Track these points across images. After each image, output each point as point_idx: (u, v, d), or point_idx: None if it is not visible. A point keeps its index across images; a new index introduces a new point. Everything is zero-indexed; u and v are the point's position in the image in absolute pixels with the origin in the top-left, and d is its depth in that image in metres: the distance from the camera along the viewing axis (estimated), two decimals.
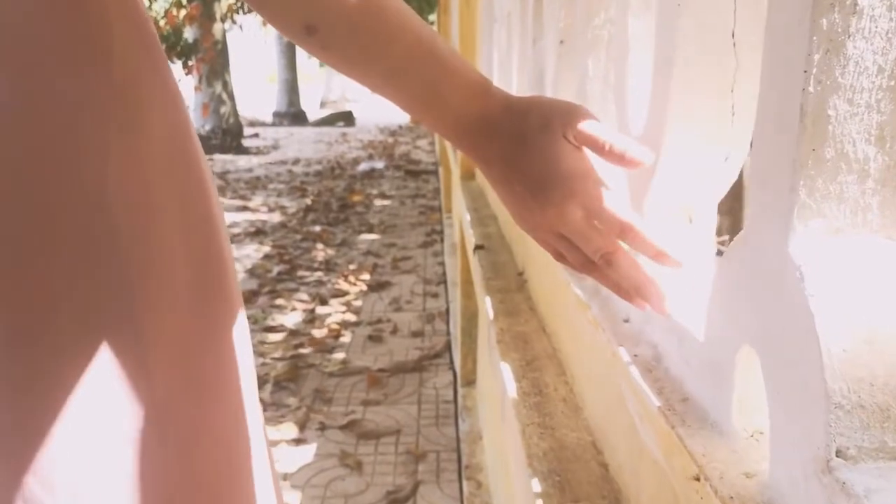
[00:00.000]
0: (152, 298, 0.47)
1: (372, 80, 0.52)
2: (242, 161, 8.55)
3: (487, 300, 1.05)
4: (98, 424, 0.45)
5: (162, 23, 7.44)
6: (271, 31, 14.51)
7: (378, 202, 5.96)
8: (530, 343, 0.87)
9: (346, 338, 2.95)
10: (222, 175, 7.42)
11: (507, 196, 0.51)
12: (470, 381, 2.33)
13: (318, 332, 2.98)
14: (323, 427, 2.21)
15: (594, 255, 0.49)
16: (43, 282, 0.43)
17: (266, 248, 4.38)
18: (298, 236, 4.72)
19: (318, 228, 4.93)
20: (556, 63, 0.97)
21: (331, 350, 2.80)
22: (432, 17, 10.10)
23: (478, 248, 1.36)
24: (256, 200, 6.03)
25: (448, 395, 2.43)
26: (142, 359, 0.46)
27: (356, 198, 6.04)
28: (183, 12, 7.76)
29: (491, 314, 0.98)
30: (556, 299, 0.87)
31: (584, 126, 0.49)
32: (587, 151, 0.50)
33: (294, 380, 2.53)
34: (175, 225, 0.49)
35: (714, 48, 0.50)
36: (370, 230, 4.89)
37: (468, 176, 2.24)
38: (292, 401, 2.37)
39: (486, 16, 2.08)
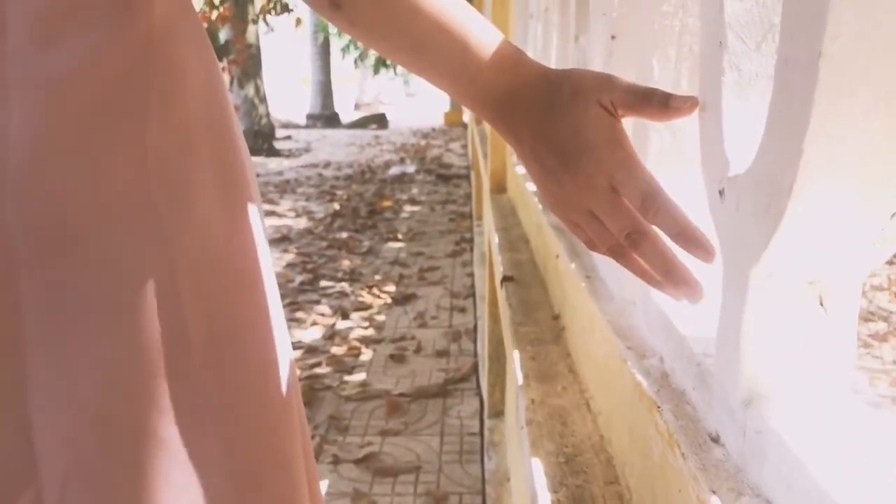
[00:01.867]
0: (192, 271, 0.46)
1: (400, 54, 0.52)
2: (273, 164, 8.46)
3: (516, 356, 0.85)
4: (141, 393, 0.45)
5: None
6: (306, 33, 14.49)
7: (407, 208, 5.79)
8: (570, 425, 0.67)
9: (366, 356, 2.77)
10: None
11: (538, 171, 0.50)
12: (498, 413, 2.13)
13: (337, 350, 2.80)
14: (336, 460, 2.03)
15: (620, 234, 0.46)
16: (83, 252, 0.42)
17: (290, 256, 4.23)
18: (324, 243, 4.57)
19: (344, 235, 4.77)
20: (606, 63, 0.77)
21: (350, 370, 2.62)
22: None
23: (506, 279, 1.16)
24: (284, 205, 5.90)
25: (474, 427, 2.24)
26: (184, 340, 0.46)
27: (385, 203, 5.88)
28: (215, 13, 7.69)
29: (520, 378, 0.78)
30: (606, 366, 0.68)
31: (621, 86, 0.46)
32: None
33: (309, 404, 2.36)
34: (213, 194, 0.48)
35: (885, 47, 0.30)
36: (398, 238, 4.72)
37: (498, 189, 2.05)
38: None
39: (519, 11, 1.88)
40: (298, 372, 2.58)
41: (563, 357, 0.85)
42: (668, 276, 0.45)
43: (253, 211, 0.53)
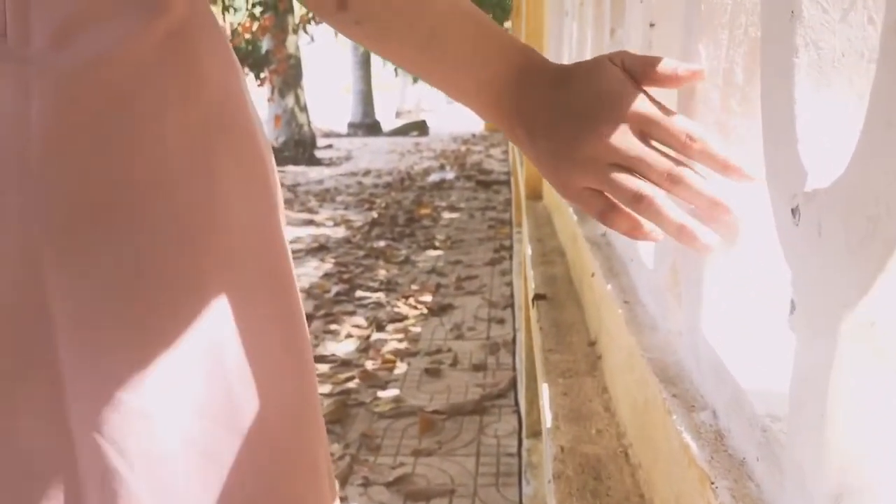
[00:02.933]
0: (218, 268, 0.46)
1: (407, 51, 0.51)
2: (314, 173, 8.48)
3: (545, 391, 0.75)
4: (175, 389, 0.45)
5: (233, 37, 7.45)
6: (346, 42, 14.56)
7: (446, 215, 5.71)
8: (604, 480, 0.57)
9: (400, 369, 2.68)
10: (293, 187, 7.33)
11: (551, 143, 0.48)
12: (536, 433, 2.02)
13: (371, 364, 2.73)
14: (367, 483, 1.94)
15: (661, 175, 0.44)
16: (106, 245, 0.42)
17: (327, 266, 4.19)
18: (361, 252, 4.51)
19: (382, 244, 4.71)
20: (647, 52, 0.67)
21: (384, 385, 2.54)
22: (507, 24, 9.79)
23: (538, 298, 1.06)
24: (323, 214, 5.88)
25: (511, 446, 2.13)
26: (207, 323, 0.45)
27: (424, 211, 5.81)
28: (256, 24, 7.75)
29: (548, 418, 0.68)
30: (646, 412, 0.57)
31: (630, 53, 0.47)
32: None
33: (341, 421, 2.28)
34: (234, 192, 0.48)
35: None
36: (436, 246, 4.63)
37: (534, 195, 1.94)
38: (336, 448, 2.12)
39: (554, 9, 1.78)
40: (331, 387, 2.53)
41: (599, 392, 0.74)
42: (712, 209, 0.44)
43: (276, 207, 0.52)
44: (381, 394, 2.47)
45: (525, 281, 1.61)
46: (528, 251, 1.36)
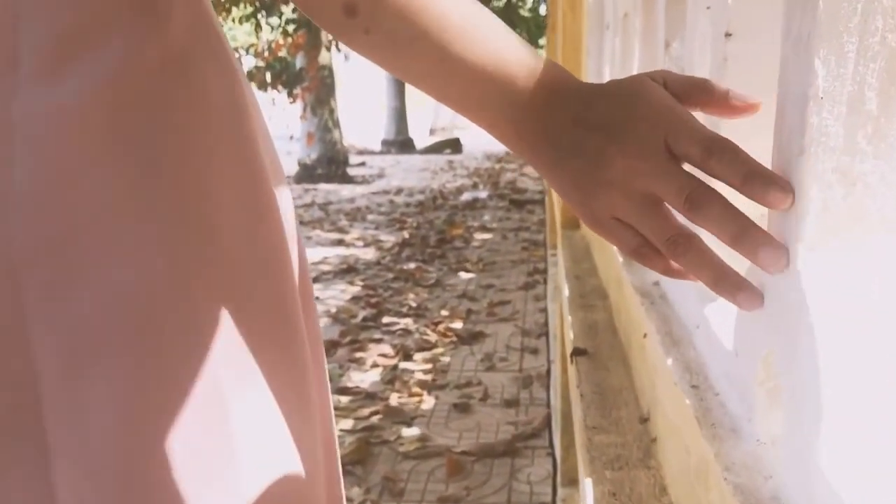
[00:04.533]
0: (216, 305, 0.42)
1: (418, 65, 0.45)
2: (346, 191, 8.42)
3: (588, 487, 0.60)
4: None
5: (266, 53, 7.46)
6: None
7: (478, 236, 5.56)
8: None
9: (427, 404, 2.54)
10: (324, 206, 7.27)
11: (576, 166, 0.43)
12: (572, 481, 1.86)
13: (397, 397, 2.59)
14: None
15: (680, 198, 0.39)
16: (92, 285, 0.39)
17: (355, 289, 4.07)
18: (391, 275, 4.39)
19: (412, 266, 4.59)
20: (719, 70, 0.53)
21: (409, 421, 2.40)
22: (542, 41, 9.65)
23: (577, 353, 0.91)
24: (353, 233, 5.79)
25: (545, 494, 1.97)
26: (202, 336, 0.42)
27: (455, 231, 5.67)
28: (289, 41, 7.75)
29: None
30: None
31: (672, 73, 0.43)
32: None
33: (362, 462, 2.14)
34: (239, 224, 0.44)
35: None
36: (467, 269, 4.49)
37: (570, 224, 1.79)
38: (356, 492, 1.98)
39: (594, 23, 1.64)
40: (353, 423, 2.39)
41: (657, 492, 0.59)
42: (744, 237, 0.38)
43: (288, 243, 0.49)
44: (405, 431, 2.33)
45: (562, 326, 1.46)
46: (565, 291, 1.21)
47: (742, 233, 0.38)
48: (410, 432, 2.32)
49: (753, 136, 0.46)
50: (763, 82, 0.51)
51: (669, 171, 0.40)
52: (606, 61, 1.47)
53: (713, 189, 0.39)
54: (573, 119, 0.44)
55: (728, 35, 0.51)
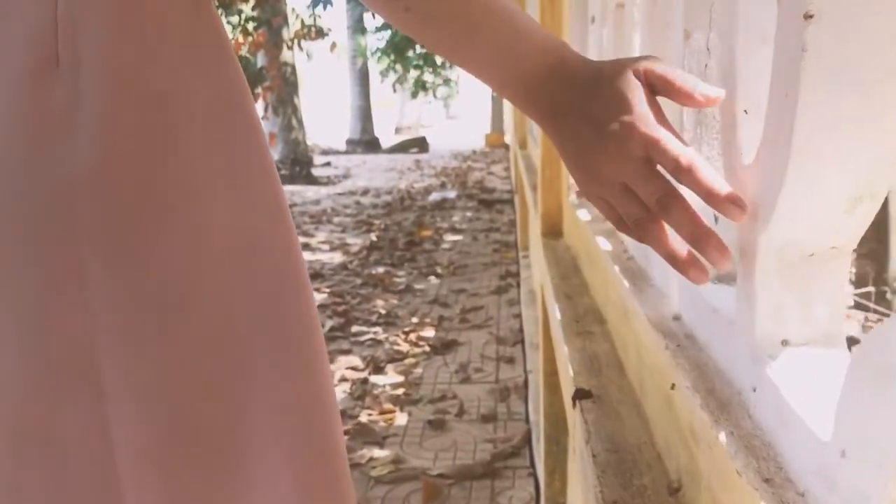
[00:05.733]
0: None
1: (450, 41, 0.53)
2: (311, 192, 8.22)
3: None
4: None
5: None
6: (345, 58, 14.36)
7: (448, 237, 5.44)
8: None
9: (401, 420, 2.40)
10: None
11: (574, 149, 0.51)
12: None
13: (367, 414, 2.44)
14: None
15: (652, 199, 0.47)
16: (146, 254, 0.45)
17: (321, 297, 3.90)
18: (359, 280, 4.23)
19: (381, 270, 4.44)
20: (795, 63, 0.40)
21: (381, 442, 2.25)
22: None
23: (581, 396, 0.78)
24: (319, 237, 5.62)
25: None
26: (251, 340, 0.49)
27: (425, 233, 5.54)
28: (249, 40, 7.52)
29: None
30: None
31: (654, 63, 0.48)
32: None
33: None
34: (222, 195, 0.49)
35: None
36: (437, 273, 4.35)
37: (553, 233, 1.67)
38: None
39: (576, 16, 1.51)
40: None
41: None
42: (699, 239, 0.45)
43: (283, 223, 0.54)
44: (377, 452, 2.18)
45: (547, 338, 1.33)
46: (557, 315, 1.08)
47: (698, 234, 0.46)
48: (382, 454, 2.18)
49: None
50: (857, 77, 0.38)
51: (645, 176, 0.47)
52: (592, 57, 1.35)
53: (680, 195, 0.47)
54: (573, 106, 0.50)
55: (809, 17, 0.39)
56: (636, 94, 0.47)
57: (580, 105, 0.49)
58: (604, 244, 1.04)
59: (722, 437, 0.46)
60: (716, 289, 0.64)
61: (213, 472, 0.46)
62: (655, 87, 0.48)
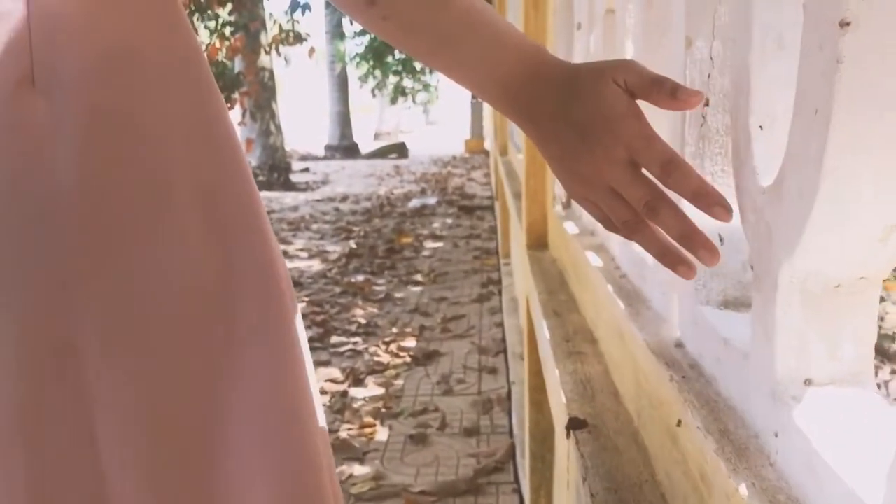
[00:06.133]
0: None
1: (427, 47, 0.54)
2: (289, 198, 8.13)
3: None
4: None
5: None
6: (324, 63, 14.27)
7: (428, 244, 5.38)
8: None
9: (381, 435, 2.34)
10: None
11: (557, 151, 0.51)
12: None
13: (347, 429, 2.38)
14: None
15: (639, 203, 0.47)
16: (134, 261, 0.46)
17: (300, 305, 3.82)
18: (338, 289, 4.17)
19: (360, 278, 4.37)
20: (830, 75, 0.35)
21: (361, 458, 2.19)
22: None
23: (575, 426, 0.74)
24: (297, 244, 5.54)
25: None
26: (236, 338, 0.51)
27: (405, 240, 5.48)
28: (226, 45, 7.42)
29: None
30: None
31: (636, 69, 0.48)
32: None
33: None
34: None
35: None
36: (418, 280, 4.30)
37: (537, 244, 1.63)
38: None
39: (561, 23, 1.47)
40: None
41: None
42: (689, 239, 0.46)
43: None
44: (358, 469, 2.12)
45: (537, 365, 1.28)
46: (546, 334, 1.04)
47: (687, 234, 0.46)
48: (363, 470, 2.12)
49: None
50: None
51: (631, 181, 0.47)
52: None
53: (668, 197, 0.47)
54: (553, 110, 0.50)
55: (845, 24, 0.34)
56: (616, 97, 0.47)
57: (561, 108, 0.49)
58: (594, 260, 0.99)
59: (743, 489, 0.42)
60: (722, 315, 0.59)
61: (194, 474, 0.47)
62: (634, 90, 0.48)
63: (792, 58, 0.46)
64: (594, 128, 0.48)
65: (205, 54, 0.54)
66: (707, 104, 0.63)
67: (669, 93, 0.46)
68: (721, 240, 0.61)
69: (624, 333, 0.77)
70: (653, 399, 0.65)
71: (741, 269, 0.61)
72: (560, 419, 0.80)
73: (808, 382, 0.44)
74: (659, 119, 0.75)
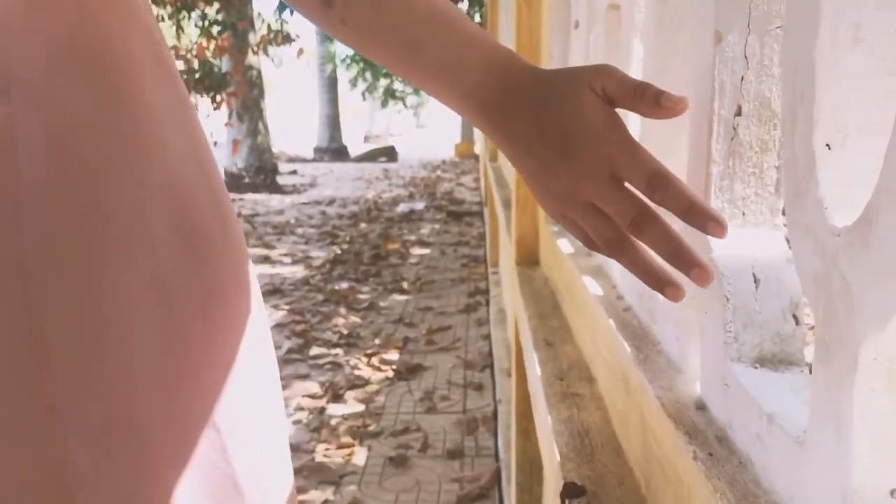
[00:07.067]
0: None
1: (390, 53, 0.51)
2: (275, 201, 7.98)
3: None
4: None
5: (190, 56, 6.98)
6: (314, 65, 14.13)
7: (415, 251, 5.26)
8: None
9: (360, 457, 2.22)
10: (250, 218, 6.83)
11: (533, 168, 0.47)
12: None
13: (323, 449, 2.25)
14: None
15: (625, 220, 0.44)
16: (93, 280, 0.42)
17: (280, 314, 3.70)
18: (320, 296, 4.04)
19: (344, 285, 4.25)
20: None
21: (338, 481, 2.07)
22: (478, 18, 9.29)
23: (571, 493, 0.62)
24: (281, 249, 5.40)
25: None
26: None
27: (391, 246, 5.36)
28: (213, 44, 7.28)
29: None
30: None
31: (615, 75, 0.45)
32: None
33: None
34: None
35: None
36: (403, 289, 4.18)
37: (528, 260, 1.51)
38: None
39: (557, 21, 1.36)
40: None
41: None
42: (679, 258, 0.43)
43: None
44: (334, 495, 1.99)
45: (524, 387, 1.16)
46: (537, 370, 0.92)
47: (677, 252, 0.43)
48: (339, 496, 1.99)
49: None
50: None
51: (615, 197, 0.44)
52: (577, 64, 1.19)
53: (655, 213, 0.44)
54: (527, 121, 0.47)
55: None
56: (594, 106, 0.45)
57: (535, 120, 0.47)
58: (592, 287, 0.88)
59: None
60: (759, 377, 0.48)
61: (154, 471, 0.44)
62: (613, 97, 0.45)
63: (873, 55, 0.35)
64: (572, 140, 0.45)
65: (171, 49, 0.49)
66: (739, 113, 0.52)
67: (653, 99, 0.43)
68: (756, 280, 0.50)
69: (629, 380, 0.66)
70: (668, 472, 0.53)
71: (781, 317, 0.49)
72: (552, 480, 0.69)
73: (893, 494, 0.33)
74: (677, 131, 0.64)
